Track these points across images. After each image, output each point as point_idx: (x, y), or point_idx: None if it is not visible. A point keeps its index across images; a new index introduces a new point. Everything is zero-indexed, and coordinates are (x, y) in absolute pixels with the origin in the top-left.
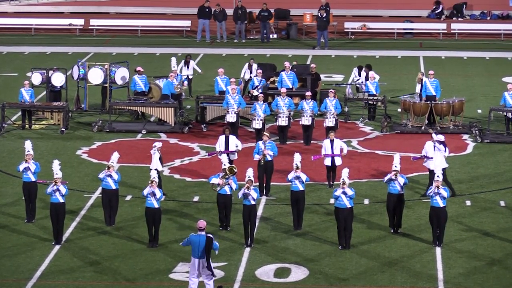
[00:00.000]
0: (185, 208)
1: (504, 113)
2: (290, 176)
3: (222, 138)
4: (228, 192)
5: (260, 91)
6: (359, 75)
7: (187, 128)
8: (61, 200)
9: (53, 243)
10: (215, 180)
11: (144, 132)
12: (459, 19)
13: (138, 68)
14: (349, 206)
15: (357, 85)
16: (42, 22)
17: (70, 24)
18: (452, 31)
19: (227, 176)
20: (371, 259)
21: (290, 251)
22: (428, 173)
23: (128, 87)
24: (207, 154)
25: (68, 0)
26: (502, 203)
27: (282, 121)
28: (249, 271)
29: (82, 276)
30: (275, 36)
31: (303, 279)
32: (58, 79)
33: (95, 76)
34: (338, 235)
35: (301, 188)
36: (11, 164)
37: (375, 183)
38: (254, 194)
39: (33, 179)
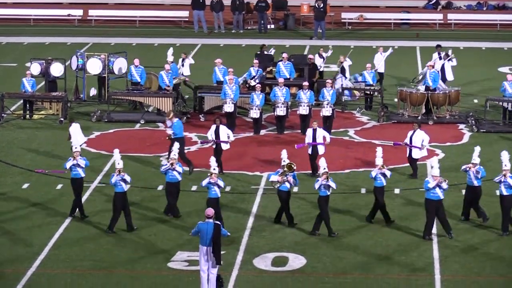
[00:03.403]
0: (185, 196)
1: (501, 103)
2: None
3: (213, 127)
4: (288, 189)
5: (257, 81)
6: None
7: (185, 118)
8: (125, 189)
9: (108, 232)
10: (274, 178)
11: (143, 122)
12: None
13: (135, 61)
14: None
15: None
16: (41, 13)
17: (68, 15)
18: (448, 21)
19: (286, 173)
20: (368, 249)
21: (287, 240)
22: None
23: (126, 77)
24: (200, 142)
25: None
26: (498, 193)
27: (280, 111)
28: (247, 259)
29: (81, 265)
30: (272, 26)
31: (301, 268)
32: (57, 69)
33: (94, 66)
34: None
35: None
36: (10, 153)
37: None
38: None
39: (82, 174)
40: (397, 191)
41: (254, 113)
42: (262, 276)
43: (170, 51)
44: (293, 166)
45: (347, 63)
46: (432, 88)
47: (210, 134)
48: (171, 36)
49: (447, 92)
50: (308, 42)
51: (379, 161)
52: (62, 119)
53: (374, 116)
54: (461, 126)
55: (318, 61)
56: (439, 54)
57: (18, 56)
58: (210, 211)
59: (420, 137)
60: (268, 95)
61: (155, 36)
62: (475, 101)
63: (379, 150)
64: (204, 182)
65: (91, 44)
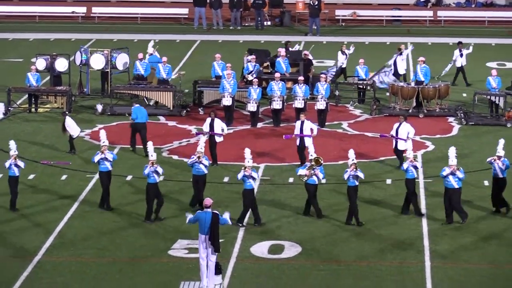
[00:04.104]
0: (181, 186)
1: (488, 97)
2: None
3: (208, 120)
4: (316, 182)
5: (254, 76)
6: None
7: (185, 111)
8: (157, 180)
9: (144, 221)
10: (302, 172)
11: None
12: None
13: (139, 55)
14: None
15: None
16: (46, 10)
17: (73, 12)
18: (438, 18)
19: (314, 167)
20: (361, 236)
21: (283, 229)
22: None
23: (128, 72)
24: (195, 133)
25: None
26: (486, 183)
27: (276, 105)
28: (245, 248)
29: (85, 253)
30: (269, 23)
31: (296, 256)
32: (61, 64)
33: (97, 61)
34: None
35: None
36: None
37: (364, 164)
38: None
39: (110, 168)
40: (388, 181)
41: (251, 107)
42: (259, 263)
43: (151, 43)
44: (320, 160)
45: (401, 57)
46: (425, 82)
47: (205, 127)
48: (172, 33)
49: (437, 86)
50: (303, 38)
51: (410, 154)
52: (66, 112)
53: (367, 109)
54: (451, 119)
55: (341, 58)
56: (460, 50)
57: (24, 51)
58: (208, 201)
59: (405, 129)
60: (265, 89)
61: (156, 32)
62: (464, 95)
63: (410, 143)
64: (240, 175)
65: (95, 40)
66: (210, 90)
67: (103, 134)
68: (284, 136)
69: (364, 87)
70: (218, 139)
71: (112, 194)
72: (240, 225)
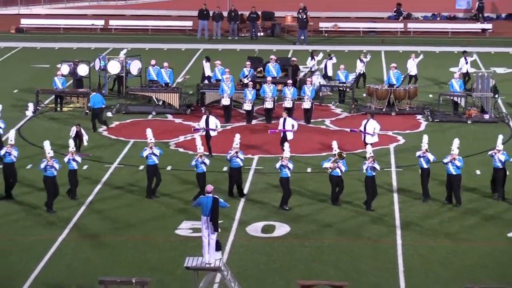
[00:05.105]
0: (188, 175)
1: (451, 97)
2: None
3: (204, 117)
4: (339, 174)
5: (249, 79)
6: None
7: (189, 110)
8: (204, 170)
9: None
10: (327, 164)
11: (154, 114)
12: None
13: (152, 61)
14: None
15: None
16: (69, 23)
17: (92, 25)
18: (408, 29)
19: (337, 160)
20: (342, 217)
21: (275, 212)
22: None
23: (140, 76)
24: (193, 129)
25: (91, 4)
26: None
27: (268, 104)
28: (241, 228)
29: (103, 233)
30: (262, 34)
31: (285, 235)
32: (83, 69)
33: (113, 67)
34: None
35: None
36: (44, 139)
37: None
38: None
39: (156, 161)
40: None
41: (247, 106)
42: (254, 241)
43: (124, 51)
44: (343, 154)
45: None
46: (397, 85)
47: (201, 123)
48: (178, 42)
49: (407, 88)
50: (292, 47)
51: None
52: (87, 111)
53: (346, 108)
54: (419, 116)
55: (359, 65)
56: (465, 59)
57: (51, 59)
58: (210, 187)
59: (372, 125)
60: (258, 91)
61: (165, 42)
62: (430, 96)
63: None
64: (277, 165)
65: (111, 48)
66: (211, 92)
67: (149, 132)
68: (269, 131)
69: (344, 89)
70: (213, 133)
71: (126, 179)
72: (287, 208)
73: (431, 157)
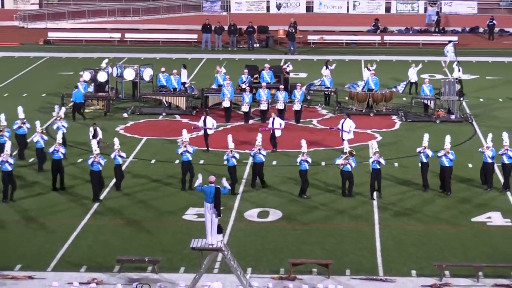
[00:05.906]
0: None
1: (422, 100)
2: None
3: (202, 117)
4: (350, 169)
5: (247, 85)
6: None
7: (194, 111)
8: (235, 163)
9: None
10: (339, 161)
11: (164, 114)
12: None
13: (162, 69)
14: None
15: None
16: (90, 36)
17: (110, 37)
18: (384, 41)
19: (348, 157)
20: (327, 206)
21: (269, 199)
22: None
23: (152, 82)
24: (193, 127)
25: (109, 19)
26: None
27: (263, 106)
28: (239, 213)
29: (120, 217)
30: (257, 45)
31: (278, 219)
32: (102, 76)
33: (129, 74)
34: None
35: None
36: (69, 137)
37: (330, 151)
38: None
39: (190, 158)
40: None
41: (245, 108)
42: (250, 225)
43: (106, 60)
44: (353, 152)
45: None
46: (375, 89)
47: (200, 122)
48: (185, 52)
49: (384, 92)
50: (283, 56)
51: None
52: (106, 112)
53: (331, 110)
54: (394, 117)
55: (366, 74)
56: (458, 67)
57: (74, 67)
58: (212, 178)
59: (348, 124)
60: (254, 95)
61: (173, 52)
62: (404, 99)
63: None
64: (298, 159)
65: (127, 58)
66: (214, 95)
67: (185, 133)
68: (260, 128)
69: (329, 93)
70: (210, 131)
71: (142, 172)
72: (305, 196)
73: (429, 152)
